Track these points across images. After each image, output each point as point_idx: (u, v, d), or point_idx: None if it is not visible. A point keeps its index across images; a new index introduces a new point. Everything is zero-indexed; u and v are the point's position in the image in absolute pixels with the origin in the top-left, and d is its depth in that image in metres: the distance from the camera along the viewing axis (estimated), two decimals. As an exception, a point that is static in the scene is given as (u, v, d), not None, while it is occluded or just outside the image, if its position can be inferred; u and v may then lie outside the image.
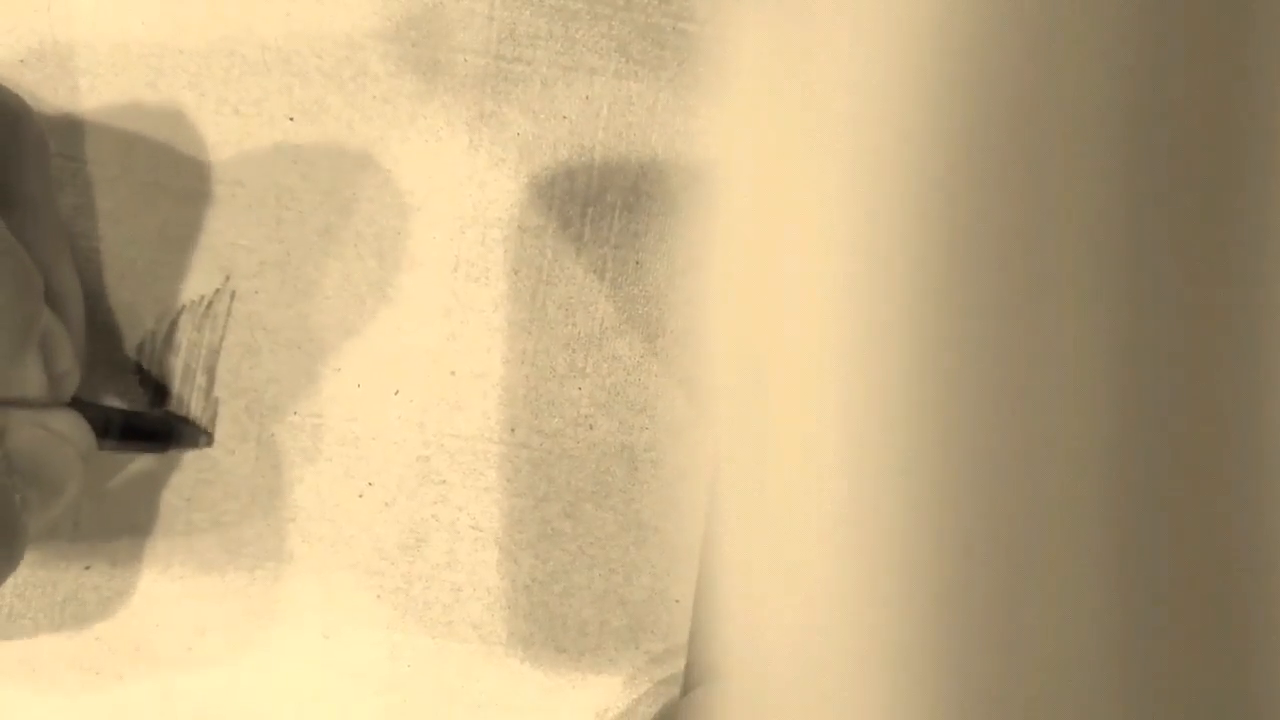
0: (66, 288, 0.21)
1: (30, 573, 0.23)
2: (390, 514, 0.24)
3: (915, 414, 0.12)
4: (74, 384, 0.20)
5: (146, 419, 0.23)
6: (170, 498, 0.23)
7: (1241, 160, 0.11)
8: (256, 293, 0.23)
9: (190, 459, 0.23)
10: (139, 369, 0.23)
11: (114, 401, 0.23)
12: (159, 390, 0.23)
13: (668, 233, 0.24)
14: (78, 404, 0.20)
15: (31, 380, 0.19)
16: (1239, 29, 0.11)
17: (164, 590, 0.23)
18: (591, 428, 0.24)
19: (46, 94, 0.23)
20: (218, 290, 0.23)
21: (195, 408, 0.23)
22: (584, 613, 0.24)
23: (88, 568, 0.23)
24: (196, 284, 0.23)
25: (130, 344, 0.23)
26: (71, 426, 0.20)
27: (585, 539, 0.24)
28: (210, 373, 0.23)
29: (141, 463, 0.23)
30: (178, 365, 0.23)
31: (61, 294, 0.21)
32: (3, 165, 0.17)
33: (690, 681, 0.24)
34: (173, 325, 0.23)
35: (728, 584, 0.15)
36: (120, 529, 0.23)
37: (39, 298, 0.19)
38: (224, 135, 0.23)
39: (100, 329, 0.23)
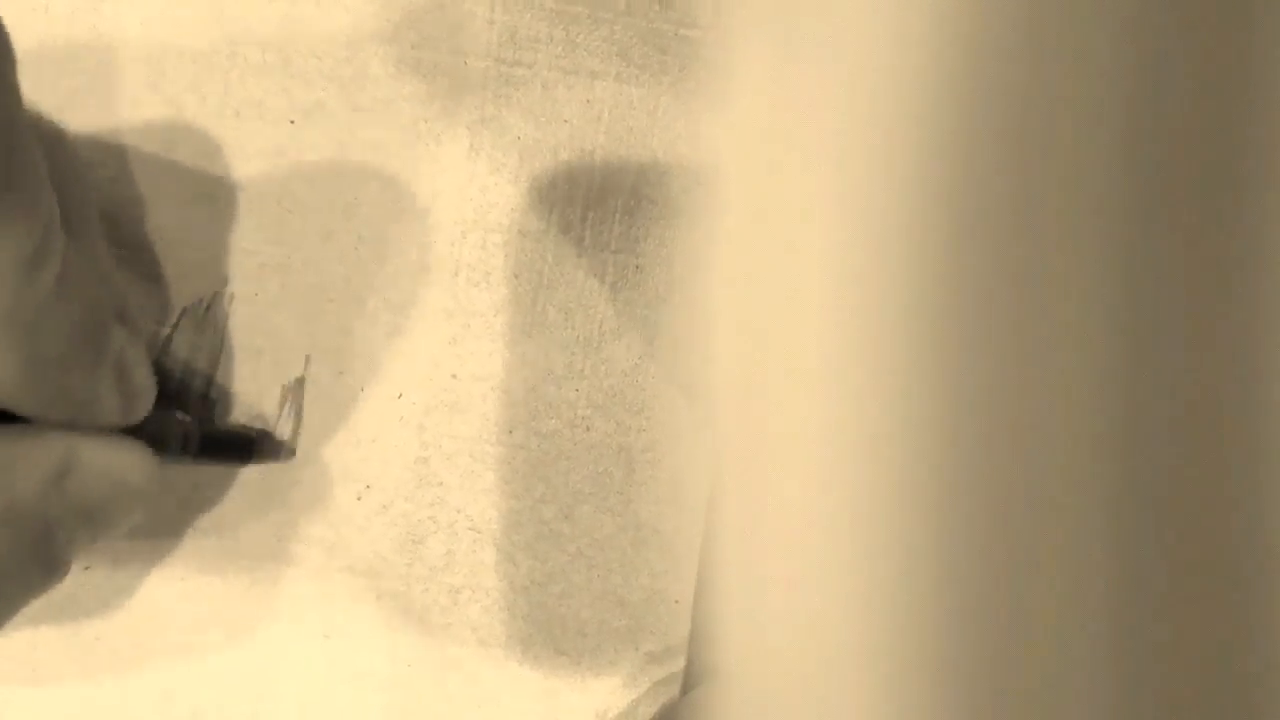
0: (128, 302, 0.20)
1: (28, 573, 0.23)
2: (388, 516, 0.24)
3: (915, 415, 0.12)
4: (149, 401, 0.20)
5: (226, 432, 0.23)
6: (170, 499, 0.23)
7: (1244, 160, 0.11)
8: (256, 295, 0.23)
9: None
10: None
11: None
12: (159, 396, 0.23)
13: (668, 237, 0.24)
14: (153, 421, 0.20)
15: (106, 402, 0.19)
16: (1242, 27, 0.11)
17: (164, 590, 0.23)
18: (589, 429, 0.24)
19: (45, 96, 0.23)
20: (217, 294, 0.23)
21: (194, 408, 0.23)
22: (583, 614, 0.24)
23: (87, 568, 0.23)
24: (196, 287, 0.23)
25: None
26: (138, 468, 0.19)
27: (584, 540, 0.24)
28: (209, 376, 0.23)
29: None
30: (176, 369, 0.23)
31: (125, 308, 0.20)
32: (58, 185, 0.17)
33: (690, 682, 0.24)
34: (172, 329, 0.23)
35: (727, 584, 0.15)
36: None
37: (110, 312, 0.18)
38: (224, 138, 0.23)
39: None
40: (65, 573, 0.19)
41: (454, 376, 0.24)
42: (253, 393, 0.23)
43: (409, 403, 0.24)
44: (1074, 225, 0.12)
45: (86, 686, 0.23)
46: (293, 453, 0.23)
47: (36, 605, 0.23)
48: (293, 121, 0.23)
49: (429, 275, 0.23)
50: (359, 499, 0.24)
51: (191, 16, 0.23)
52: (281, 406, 0.23)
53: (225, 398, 0.23)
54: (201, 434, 0.22)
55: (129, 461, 0.19)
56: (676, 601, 0.24)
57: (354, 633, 0.24)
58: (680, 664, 0.24)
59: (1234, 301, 0.12)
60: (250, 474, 0.23)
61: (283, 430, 0.23)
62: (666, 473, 0.24)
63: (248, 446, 0.23)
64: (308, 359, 0.23)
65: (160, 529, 0.23)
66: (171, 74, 0.23)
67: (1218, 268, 0.12)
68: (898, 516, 0.12)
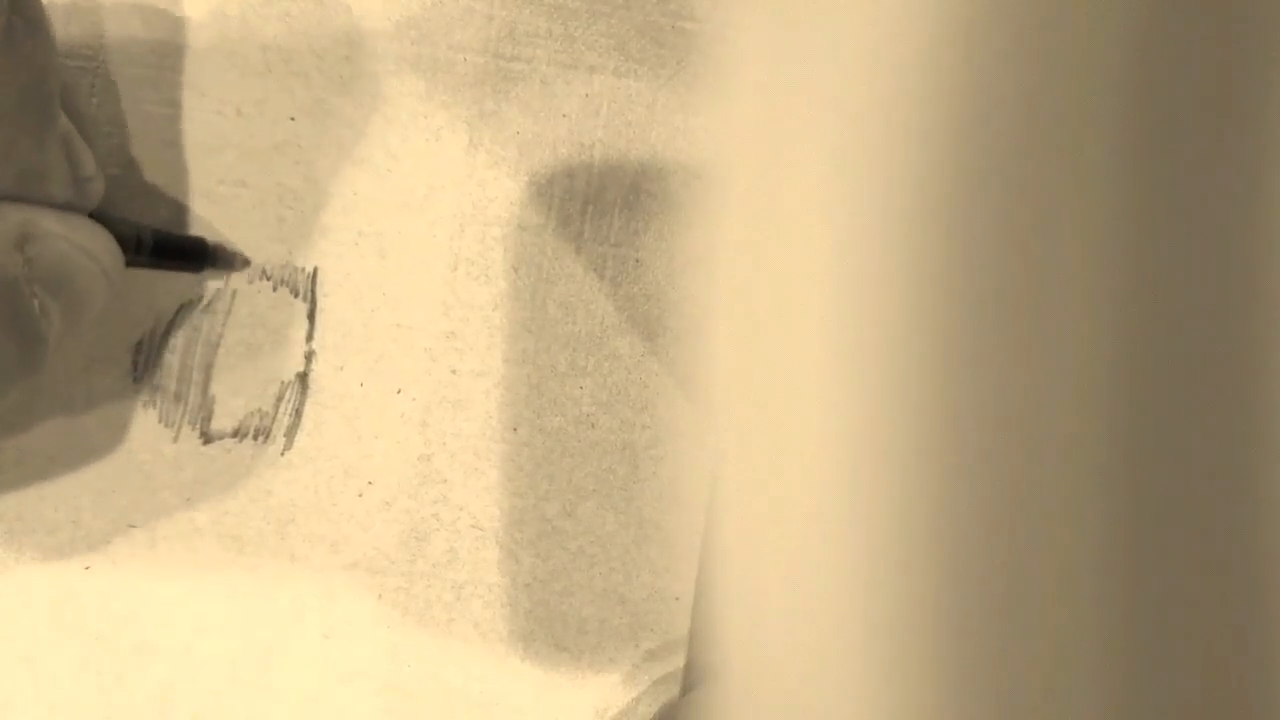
0: (75, 97, 0.20)
1: (30, 573, 0.23)
2: (391, 513, 0.24)
3: (916, 413, 0.12)
4: (98, 193, 0.20)
5: (180, 237, 0.22)
6: (170, 497, 0.23)
7: (1246, 159, 0.11)
8: (258, 292, 0.23)
9: (190, 456, 0.23)
10: (135, 365, 0.23)
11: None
12: (155, 385, 0.23)
13: (667, 231, 0.24)
14: (107, 218, 0.20)
15: (57, 175, 0.19)
16: (1246, 24, 0.11)
17: (164, 590, 0.23)
18: (593, 426, 0.24)
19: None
20: (219, 289, 0.23)
21: (193, 404, 0.23)
22: (584, 611, 0.24)
23: (87, 568, 0.23)
24: (197, 282, 0.23)
25: (130, 341, 0.23)
26: (98, 242, 0.19)
27: (586, 537, 0.24)
28: (208, 370, 0.23)
29: (139, 465, 0.23)
30: (175, 363, 0.23)
31: (72, 101, 0.20)
32: None
33: (690, 681, 0.24)
34: (171, 323, 0.23)
35: (727, 582, 0.15)
36: (120, 529, 0.23)
37: (57, 88, 0.18)
38: (226, 135, 0.23)
39: (99, 325, 0.23)
40: (44, 352, 0.19)
41: (453, 372, 0.24)
42: (254, 387, 0.23)
43: (409, 399, 0.24)
44: (1074, 223, 0.12)
45: (88, 685, 0.23)
46: (247, 263, 0.23)
47: (36, 604, 0.23)
48: (293, 118, 0.23)
49: (428, 269, 0.23)
50: (361, 496, 0.24)
51: (192, 15, 0.23)
52: (280, 402, 0.23)
53: (225, 391, 0.23)
54: (155, 237, 0.21)
55: (88, 232, 0.19)
56: (677, 599, 0.24)
57: (355, 632, 0.24)
58: (680, 661, 0.24)
59: (1237, 301, 0.11)
60: (251, 470, 0.23)
61: (280, 426, 0.23)
62: (669, 470, 0.24)
63: (201, 253, 0.22)
64: (307, 355, 0.23)
65: (160, 527, 0.23)
66: (173, 72, 0.23)
67: (1221, 264, 0.11)
68: (898, 515, 0.12)
